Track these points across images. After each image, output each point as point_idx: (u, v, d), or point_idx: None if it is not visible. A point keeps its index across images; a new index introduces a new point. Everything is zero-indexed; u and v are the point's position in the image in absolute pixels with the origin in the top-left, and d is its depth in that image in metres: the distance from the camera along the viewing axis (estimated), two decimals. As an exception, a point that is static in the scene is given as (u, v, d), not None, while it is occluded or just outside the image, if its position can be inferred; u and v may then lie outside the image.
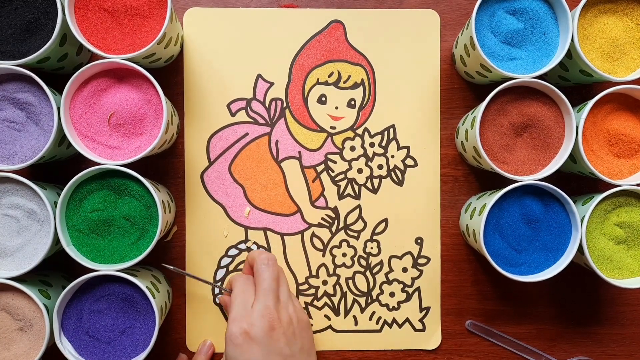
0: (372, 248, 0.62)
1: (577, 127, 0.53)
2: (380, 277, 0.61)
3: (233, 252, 0.61)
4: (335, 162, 0.62)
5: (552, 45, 0.55)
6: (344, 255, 0.61)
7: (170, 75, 0.61)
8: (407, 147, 0.62)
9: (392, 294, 0.61)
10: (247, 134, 0.61)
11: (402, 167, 0.62)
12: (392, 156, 0.62)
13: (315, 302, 0.61)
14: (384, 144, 0.62)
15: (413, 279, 0.62)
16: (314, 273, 0.61)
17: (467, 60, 0.57)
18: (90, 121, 0.53)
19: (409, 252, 0.62)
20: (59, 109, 0.52)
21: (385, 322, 0.61)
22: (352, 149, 0.62)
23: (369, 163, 0.62)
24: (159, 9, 0.53)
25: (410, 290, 0.62)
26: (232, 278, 0.56)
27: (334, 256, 0.61)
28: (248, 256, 0.57)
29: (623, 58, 0.55)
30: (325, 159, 0.62)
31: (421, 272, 0.62)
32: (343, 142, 0.62)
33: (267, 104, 0.61)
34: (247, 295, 0.52)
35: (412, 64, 0.62)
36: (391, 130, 0.62)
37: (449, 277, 0.62)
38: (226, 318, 0.60)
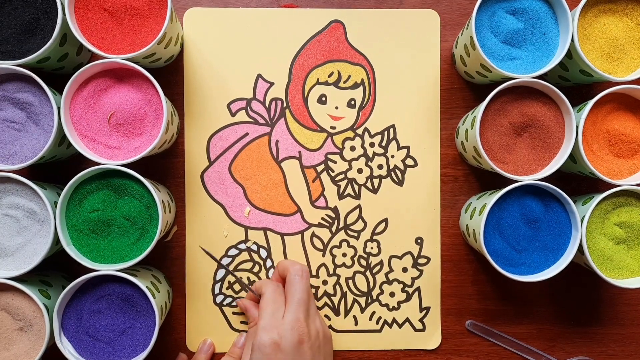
0: (372, 248, 0.62)
1: (577, 127, 0.53)
2: (380, 277, 0.61)
3: (233, 252, 0.61)
4: (335, 162, 0.62)
5: (552, 45, 0.55)
6: (344, 255, 0.61)
7: (170, 75, 0.61)
8: (407, 147, 0.62)
9: (392, 294, 0.61)
10: (247, 134, 0.61)
11: (402, 167, 0.62)
12: (392, 156, 0.62)
13: (315, 302, 0.61)
14: (384, 144, 0.62)
15: (413, 279, 0.62)
16: (314, 273, 0.61)
17: (467, 60, 0.57)
18: (90, 121, 0.53)
19: (409, 252, 0.62)
20: (59, 109, 0.52)
21: (385, 322, 0.61)
22: (352, 149, 0.62)
23: (369, 163, 0.62)
24: (159, 9, 0.53)
25: (410, 290, 0.62)
26: (262, 283, 0.56)
27: (334, 256, 0.61)
28: (279, 264, 0.57)
29: (623, 58, 0.55)
30: (325, 159, 0.62)
31: (421, 272, 0.62)
32: (343, 142, 0.62)
33: (267, 104, 0.61)
34: (278, 304, 0.53)
35: (412, 64, 0.62)
36: (391, 130, 0.62)
37: (449, 277, 0.62)
38: (226, 319, 0.61)
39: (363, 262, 0.62)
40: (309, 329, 0.52)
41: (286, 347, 0.50)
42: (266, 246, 0.61)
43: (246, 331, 0.61)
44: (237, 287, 0.61)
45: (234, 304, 0.61)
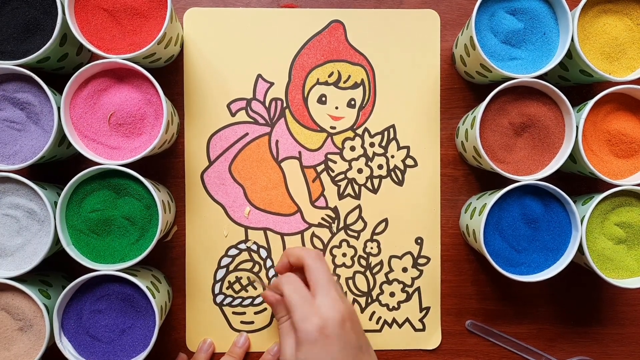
0: (372, 248, 0.62)
1: (577, 127, 0.53)
2: (380, 277, 0.61)
3: (233, 252, 0.61)
4: (335, 162, 0.62)
5: (552, 45, 0.55)
6: (344, 255, 0.61)
7: (170, 75, 0.61)
8: (407, 147, 0.62)
9: (392, 294, 0.61)
10: (247, 134, 0.61)
11: (402, 167, 0.62)
12: (392, 156, 0.62)
13: None
14: (384, 144, 0.62)
15: (413, 279, 0.62)
16: (314, 273, 0.61)
17: (467, 60, 0.57)
18: (90, 121, 0.53)
19: (409, 252, 0.62)
20: (59, 109, 0.52)
21: (385, 322, 0.61)
22: (352, 149, 0.62)
23: (369, 163, 0.62)
24: (159, 9, 0.53)
25: (410, 290, 0.62)
26: (278, 280, 0.53)
27: (334, 256, 0.61)
28: (290, 254, 0.55)
29: (623, 58, 0.55)
30: (325, 159, 0.62)
31: (421, 272, 0.62)
32: (343, 142, 0.62)
33: (267, 104, 0.61)
34: (304, 292, 0.51)
35: (412, 64, 0.62)
36: (391, 130, 0.62)
37: (449, 277, 0.62)
38: (226, 319, 0.61)
39: (363, 262, 0.62)
40: (346, 306, 0.50)
41: (332, 328, 0.48)
42: (266, 246, 0.61)
43: (246, 331, 0.61)
44: (237, 287, 0.61)
45: (234, 303, 0.61)
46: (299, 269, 0.54)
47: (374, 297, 0.61)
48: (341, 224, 0.62)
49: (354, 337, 0.49)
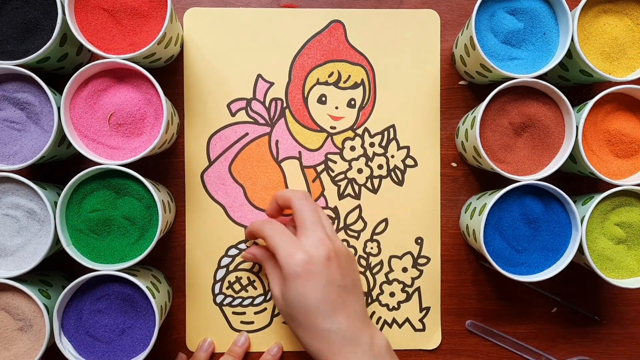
0: (372, 248, 0.62)
1: (577, 127, 0.53)
2: (380, 277, 0.61)
3: (233, 252, 0.61)
4: (335, 162, 0.62)
5: (552, 45, 0.55)
6: (344, 255, 0.61)
7: (170, 75, 0.61)
8: (407, 147, 0.62)
9: (392, 294, 0.61)
10: (247, 134, 0.61)
11: (402, 167, 0.62)
12: (392, 156, 0.62)
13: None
14: (384, 144, 0.62)
15: (413, 279, 0.62)
16: (314, 273, 0.61)
17: (467, 60, 0.57)
18: (90, 121, 0.53)
19: (409, 252, 0.62)
20: (59, 109, 0.52)
21: (385, 322, 0.61)
22: (352, 149, 0.62)
23: (369, 163, 0.62)
24: (159, 9, 0.53)
25: (410, 290, 0.62)
26: (256, 225, 0.52)
27: (334, 256, 0.61)
28: (278, 197, 0.54)
29: (623, 58, 0.55)
30: (325, 159, 0.62)
31: (421, 272, 0.62)
32: (343, 142, 0.62)
33: (267, 104, 0.61)
34: (288, 233, 0.50)
35: (412, 63, 0.62)
36: (391, 130, 0.62)
37: (449, 277, 0.62)
38: (226, 318, 0.61)
39: (363, 262, 0.61)
40: (334, 245, 0.49)
41: (316, 264, 0.47)
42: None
43: (246, 331, 0.61)
44: (237, 287, 0.61)
45: (234, 303, 0.61)
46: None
47: (374, 297, 0.61)
48: (341, 224, 0.62)
49: (339, 276, 0.49)
